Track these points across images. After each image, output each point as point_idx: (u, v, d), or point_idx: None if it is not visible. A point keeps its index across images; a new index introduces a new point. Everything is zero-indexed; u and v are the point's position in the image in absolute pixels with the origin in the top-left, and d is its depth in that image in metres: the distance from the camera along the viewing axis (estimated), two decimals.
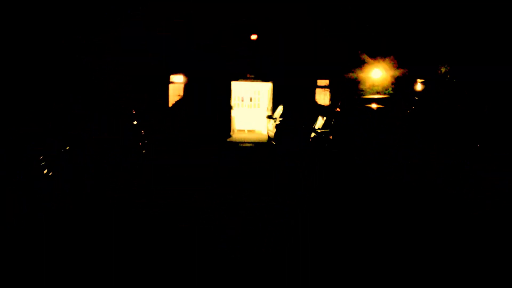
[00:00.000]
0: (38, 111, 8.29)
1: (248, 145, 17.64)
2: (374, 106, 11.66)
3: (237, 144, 17.81)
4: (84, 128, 9.14)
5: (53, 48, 15.18)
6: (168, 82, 20.31)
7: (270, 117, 17.34)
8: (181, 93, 20.15)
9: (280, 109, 16.56)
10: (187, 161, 12.68)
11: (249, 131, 22.64)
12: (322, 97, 20.35)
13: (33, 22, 14.36)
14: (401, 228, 5.68)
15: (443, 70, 19.73)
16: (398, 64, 19.85)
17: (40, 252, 4.89)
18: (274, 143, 15.51)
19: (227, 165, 12.17)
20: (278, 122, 15.42)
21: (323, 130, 11.01)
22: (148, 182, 8.90)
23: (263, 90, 22.33)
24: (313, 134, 11.61)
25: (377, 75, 19.99)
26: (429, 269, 4.51)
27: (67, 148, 7.40)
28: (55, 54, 15.21)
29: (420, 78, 20.45)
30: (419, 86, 20.12)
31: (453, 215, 5.72)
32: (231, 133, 20.11)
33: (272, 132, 16.49)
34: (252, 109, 22.89)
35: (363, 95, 19.75)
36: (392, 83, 19.66)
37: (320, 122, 11.69)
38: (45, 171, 6.42)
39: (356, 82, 20.16)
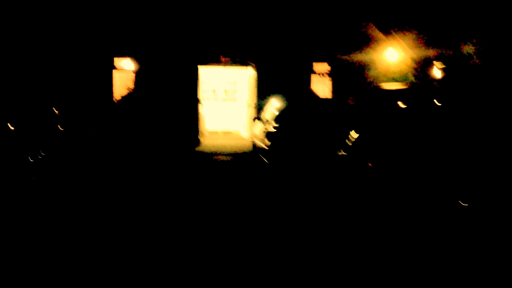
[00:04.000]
0: None
1: (226, 158, 12.42)
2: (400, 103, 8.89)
3: (210, 157, 12.62)
4: None
5: None
6: (113, 68, 15.01)
7: (258, 118, 12.20)
8: (131, 84, 14.88)
9: (271, 107, 11.44)
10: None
11: (224, 133, 17.44)
12: (321, 86, 15.48)
13: None
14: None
15: (466, 50, 15.02)
16: (421, 42, 15.04)
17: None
18: (266, 160, 10.39)
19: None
20: (270, 127, 10.35)
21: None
22: None
23: (241, 79, 17.27)
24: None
25: (392, 57, 15.24)
26: (428, 269, 4.60)
27: None
28: None
29: (440, 61, 15.74)
30: (437, 72, 15.42)
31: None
32: (200, 137, 14.89)
33: (259, 140, 11.38)
34: (227, 103, 17.75)
35: (374, 83, 15.14)
36: (414, 68, 14.83)
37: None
38: None
39: (365, 66, 15.31)
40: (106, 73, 15.31)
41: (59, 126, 10.21)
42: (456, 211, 6.18)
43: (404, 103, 9.44)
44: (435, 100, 10.38)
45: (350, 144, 8.32)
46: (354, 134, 8.01)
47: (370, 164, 7.95)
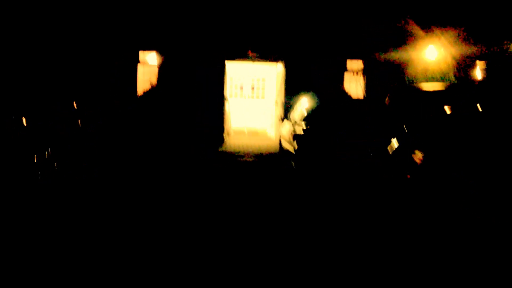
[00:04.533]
0: None
1: (251, 159, 11.70)
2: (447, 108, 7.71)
3: (234, 158, 11.92)
4: None
5: None
6: (137, 62, 14.46)
7: (286, 118, 11.47)
8: (154, 79, 14.33)
9: (301, 106, 10.67)
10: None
11: (250, 131, 16.75)
12: (354, 85, 14.66)
13: None
14: None
15: None
16: (463, 40, 14.03)
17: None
18: (294, 163, 9.64)
19: None
20: (299, 128, 9.60)
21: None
22: None
23: (270, 75, 16.52)
24: None
25: (432, 54, 14.28)
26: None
27: None
28: None
29: (483, 60, 14.69)
30: (480, 72, 14.36)
31: None
32: (225, 136, 14.21)
33: (287, 141, 10.64)
34: (255, 100, 17.07)
35: (412, 83, 14.24)
36: (455, 67, 13.82)
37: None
38: None
39: (403, 64, 14.36)
40: (132, 67, 14.77)
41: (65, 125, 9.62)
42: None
43: (445, 105, 8.60)
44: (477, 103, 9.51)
45: (390, 152, 7.48)
46: (395, 142, 7.18)
47: (408, 176, 7.11)
